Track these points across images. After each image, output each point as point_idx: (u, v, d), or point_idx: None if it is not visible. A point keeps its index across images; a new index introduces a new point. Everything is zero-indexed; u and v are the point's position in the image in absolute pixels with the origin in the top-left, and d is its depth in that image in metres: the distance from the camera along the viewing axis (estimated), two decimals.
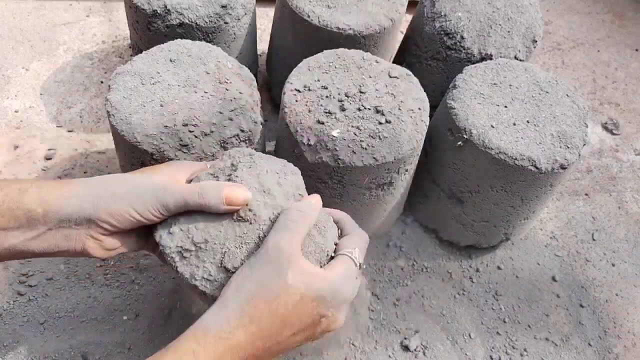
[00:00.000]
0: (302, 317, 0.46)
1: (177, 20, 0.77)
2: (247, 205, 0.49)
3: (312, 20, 0.79)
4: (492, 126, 0.70)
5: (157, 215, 0.49)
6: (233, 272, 0.48)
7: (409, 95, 0.70)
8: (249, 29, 0.85)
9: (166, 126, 0.63)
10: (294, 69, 0.71)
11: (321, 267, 0.50)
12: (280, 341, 0.47)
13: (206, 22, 0.78)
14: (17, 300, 0.72)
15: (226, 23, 0.79)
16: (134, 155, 0.65)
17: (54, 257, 0.75)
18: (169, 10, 0.76)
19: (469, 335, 0.76)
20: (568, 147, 0.70)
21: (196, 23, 0.77)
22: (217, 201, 0.48)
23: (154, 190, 0.49)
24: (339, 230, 0.55)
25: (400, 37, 0.95)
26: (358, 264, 0.50)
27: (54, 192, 0.48)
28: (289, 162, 0.57)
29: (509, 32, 0.82)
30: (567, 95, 0.75)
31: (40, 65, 1.00)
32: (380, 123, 0.66)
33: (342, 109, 0.67)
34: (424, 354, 0.74)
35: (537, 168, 0.68)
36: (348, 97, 0.68)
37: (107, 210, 0.48)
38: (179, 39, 0.73)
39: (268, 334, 0.45)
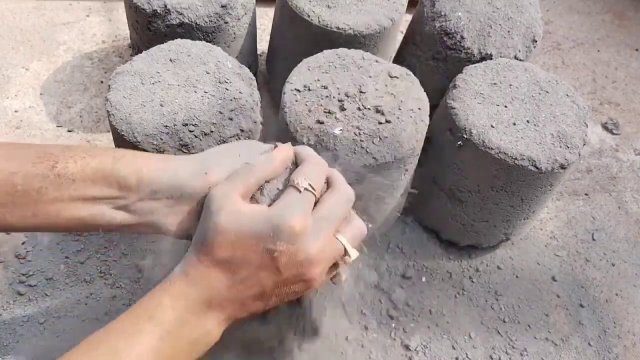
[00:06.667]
0: (247, 256, 0.44)
1: (177, 20, 0.77)
2: None
3: (312, 20, 0.79)
4: (492, 126, 0.70)
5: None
6: None
7: (409, 95, 0.70)
8: (249, 29, 0.85)
9: (166, 126, 0.63)
10: (294, 69, 0.71)
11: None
12: (241, 282, 0.45)
13: (206, 22, 0.78)
14: (17, 300, 0.72)
15: (226, 23, 0.79)
16: None
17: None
18: (169, 10, 0.76)
19: (469, 335, 0.76)
20: (568, 147, 0.70)
21: (196, 23, 0.77)
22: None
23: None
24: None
25: (400, 37, 0.95)
26: (302, 189, 0.47)
27: (152, 165, 0.48)
28: None
29: (509, 32, 0.82)
30: (567, 95, 0.75)
31: (40, 65, 1.00)
32: (380, 123, 0.66)
33: (342, 109, 0.67)
34: (424, 353, 0.74)
35: (537, 168, 0.68)
36: (348, 97, 0.68)
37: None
38: (179, 39, 0.73)
39: (223, 277, 0.44)
